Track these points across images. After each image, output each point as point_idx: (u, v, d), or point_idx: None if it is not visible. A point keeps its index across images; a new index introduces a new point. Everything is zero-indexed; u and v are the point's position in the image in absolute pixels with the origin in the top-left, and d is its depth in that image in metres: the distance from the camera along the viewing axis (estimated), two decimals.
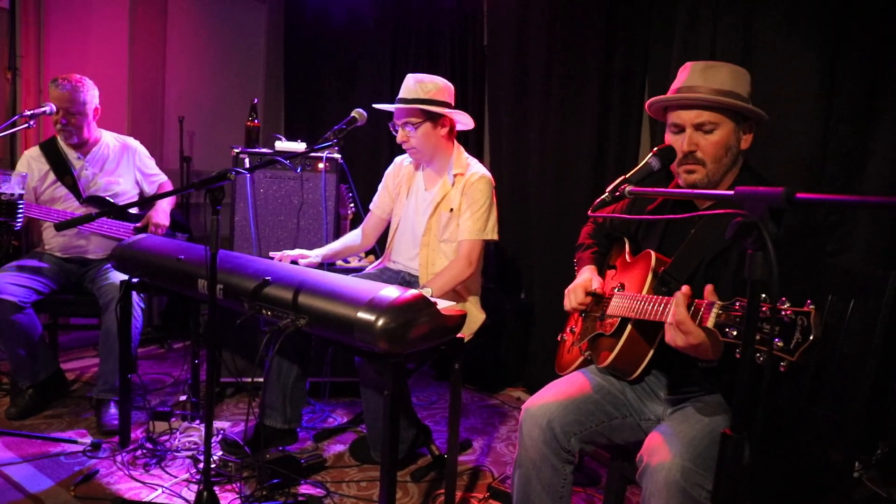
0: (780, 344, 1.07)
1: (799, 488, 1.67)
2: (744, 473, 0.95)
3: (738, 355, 1.16)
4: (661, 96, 1.61)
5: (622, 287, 1.68)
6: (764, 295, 1.11)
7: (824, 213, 2.35)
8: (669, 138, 1.61)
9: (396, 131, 2.48)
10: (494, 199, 2.49)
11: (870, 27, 2.26)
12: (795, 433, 1.68)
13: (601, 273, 1.88)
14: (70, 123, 2.80)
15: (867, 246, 2.27)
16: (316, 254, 2.59)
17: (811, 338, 1.04)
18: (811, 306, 1.07)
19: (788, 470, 1.60)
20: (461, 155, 2.54)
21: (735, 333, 1.20)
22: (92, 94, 2.84)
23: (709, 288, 1.32)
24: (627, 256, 1.77)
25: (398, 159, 2.74)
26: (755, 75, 1.65)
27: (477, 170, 2.49)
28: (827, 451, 1.86)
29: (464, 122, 2.52)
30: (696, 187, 1.57)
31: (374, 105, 2.42)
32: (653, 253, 1.61)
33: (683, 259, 1.56)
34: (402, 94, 2.44)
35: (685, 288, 1.34)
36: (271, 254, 2.54)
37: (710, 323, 1.26)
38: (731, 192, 0.95)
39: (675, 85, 1.61)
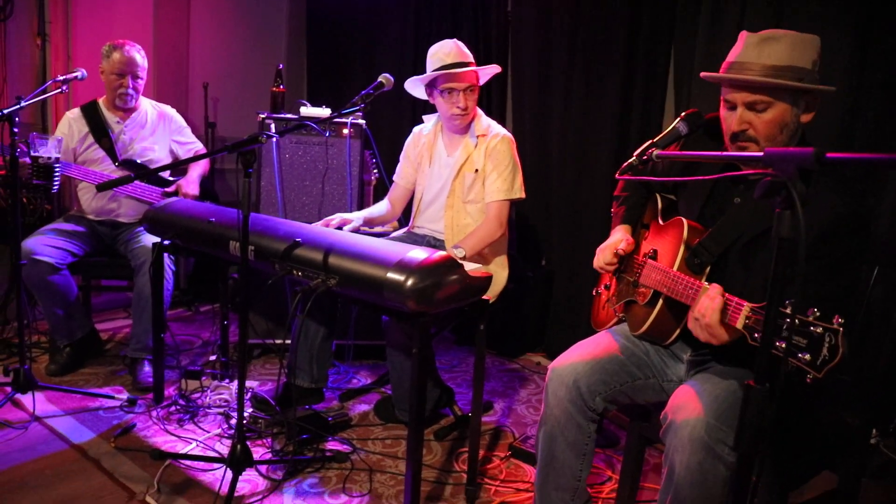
0: (807, 358, 1.07)
1: (815, 450, 1.70)
2: (765, 428, 0.98)
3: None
4: (713, 73, 1.50)
5: (655, 254, 1.69)
6: (788, 304, 1.11)
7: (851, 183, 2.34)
8: (723, 113, 1.53)
9: (443, 96, 2.46)
10: (517, 159, 2.53)
11: None
12: (811, 395, 1.70)
13: (635, 231, 1.87)
14: (134, 87, 2.91)
15: (892, 215, 2.26)
16: (358, 216, 2.59)
17: (838, 357, 1.04)
18: (840, 322, 1.06)
19: (805, 431, 1.64)
20: (481, 117, 2.58)
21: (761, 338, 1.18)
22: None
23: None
24: (660, 218, 1.76)
25: (417, 129, 2.76)
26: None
27: (498, 131, 2.53)
28: (842, 415, 1.89)
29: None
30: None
31: (456, 70, 2.39)
32: (684, 221, 1.58)
33: (721, 232, 1.53)
34: (458, 59, 2.42)
35: (716, 288, 1.34)
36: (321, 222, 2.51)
37: (739, 324, 1.27)
38: (761, 154, 0.97)
39: (729, 57, 1.49)
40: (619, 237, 1.79)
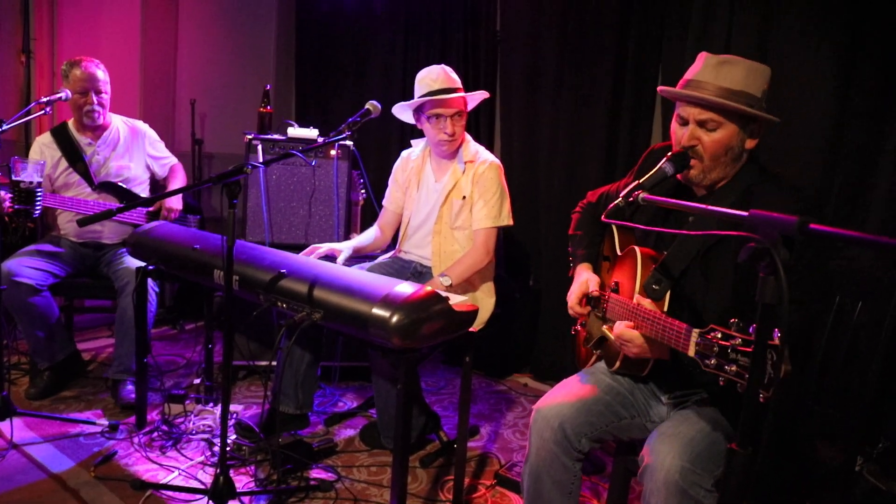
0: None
1: (795, 485, 1.71)
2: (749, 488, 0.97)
3: (721, 383, 1.16)
4: (670, 88, 1.57)
5: (617, 286, 1.71)
6: (734, 319, 1.13)
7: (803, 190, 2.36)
8: (674, 126, 1.59)
9: (430, 121, 2.45)
10: (505, 185, 2.53)
11: (886, 26, 2.25)
12: (791, 431, 1.71)
13: (597, 266, 1.90)
14: (100, 103, 2.84)
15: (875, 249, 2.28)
16: (347, 246, 2.56)
17: (781, 374, 1.02)
18: (778, 337, 1.04)
19: (785, 467, 1.64)
20: (469, 143, 2.57)
21: (713, 363, 1.17)
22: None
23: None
24: (617, 249, 1.79)
25: (405, 153, 2.75)
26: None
27: (486, 157, 2.53)
28: (816, 448, 1.90)
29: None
30: (691, 182, 1.58)
31: (444, 96, 2.38)
32: (637, 250, 1.62)
33: (678, 253, 1.56)
34: (446, 85, 2.41)
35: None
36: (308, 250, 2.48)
37: (690, 352, 1.26)
38: (746, 214, 0.97)
39: (687, 75, 1.56)
40: (583, 279, 1.82)
